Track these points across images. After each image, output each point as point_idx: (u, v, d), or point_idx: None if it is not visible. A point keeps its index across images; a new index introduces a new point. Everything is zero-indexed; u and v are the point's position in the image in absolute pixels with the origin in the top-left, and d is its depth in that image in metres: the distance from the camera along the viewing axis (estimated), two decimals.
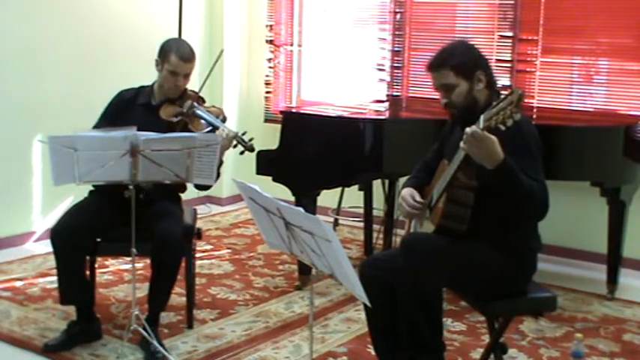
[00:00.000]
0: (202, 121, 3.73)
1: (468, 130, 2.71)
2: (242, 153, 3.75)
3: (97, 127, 3.72)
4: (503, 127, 2.64)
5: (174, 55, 3.69)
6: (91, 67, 5.45)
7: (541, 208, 2.87)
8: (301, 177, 4.39)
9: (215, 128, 3.69)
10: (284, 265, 4.95)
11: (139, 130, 3.32)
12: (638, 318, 4.25)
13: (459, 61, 2.98)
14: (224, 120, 3.81)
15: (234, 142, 3.69)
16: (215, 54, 6.30)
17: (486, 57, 3.12)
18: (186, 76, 3.75)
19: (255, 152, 4.47)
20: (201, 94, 3.88)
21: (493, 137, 2.69)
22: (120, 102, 3.85)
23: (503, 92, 2.89)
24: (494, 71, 3.13)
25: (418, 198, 3.12)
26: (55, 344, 3.62)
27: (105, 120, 3.78)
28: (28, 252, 5.07)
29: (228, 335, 3.86)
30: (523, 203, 2.85)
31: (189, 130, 3.67)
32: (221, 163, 3.62)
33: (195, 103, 3.76)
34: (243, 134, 3.73)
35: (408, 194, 3.15)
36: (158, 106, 3.78)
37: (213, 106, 3.92)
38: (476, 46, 3.14)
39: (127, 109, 3.79)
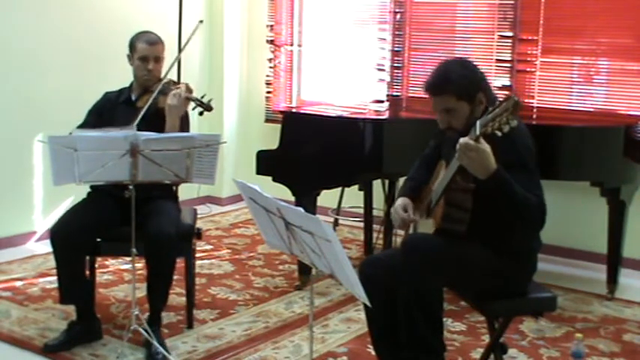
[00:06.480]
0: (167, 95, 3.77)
1: (461, 140, 2.72)
2: (201, 114, 3.82)
3: (81, 126, 3.73)
4: (499, 134, 2.65)
5: (141, 42, 3.82)
6: (92, 67, 5.45)
7: (537, 221, 2.88)
8: (301, 177, 4.39)
9: (167, 92, 3.74)
10: (284, 265, 4.95)
11: (121, 125, 3.37)
12: (638, 318, 4.25)
13: (461, 85, 2.94)
14: (190, 91, 3.82)
15: (193, 105, 3.77)
16: (215, 54, 6.39)
17: (484, 75, 3.07)
18: (157, 59, 3.82)
19: (256, 152, 4.51)
20: (177, 80, 3.94)
21: (486, 148, 2.69)
22: (104, 102, 3.93)
23: (500, 98, 2.89)
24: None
25: (410, 210, 3.12)
26: (55, 344, 3.62)
27: (89, 119, 3.85)
28: (28, 252, 5.07)
29: (228, 335, 3.86)
30: (518, 214, 2.84)
31: (161, 110, 3.72)
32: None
33: (164, 84, 3.81)
34: (202, 97, 3.80)
35: (400, 207, 3.14)
36: (137, 99, 3.84)
37: (181, 83, 3.96)
38: (474, 65, 3.08)
39: (110, 109, 3.87)
